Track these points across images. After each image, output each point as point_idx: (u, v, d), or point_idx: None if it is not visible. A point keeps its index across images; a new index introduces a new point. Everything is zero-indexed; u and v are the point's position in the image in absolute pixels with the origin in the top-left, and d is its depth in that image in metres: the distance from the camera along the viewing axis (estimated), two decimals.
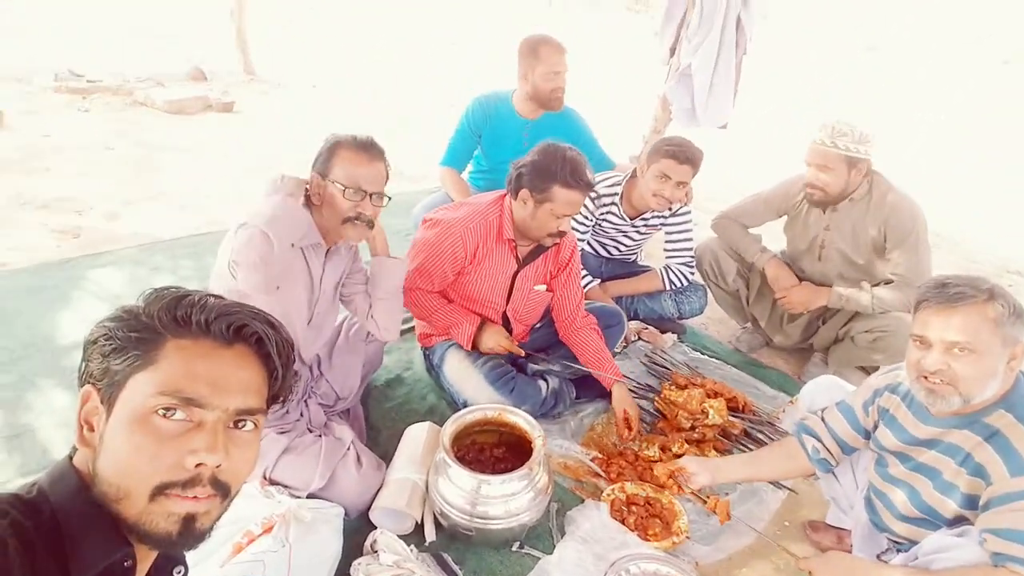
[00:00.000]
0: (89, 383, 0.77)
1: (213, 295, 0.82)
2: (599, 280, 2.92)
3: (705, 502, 1.95)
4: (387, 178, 1.82)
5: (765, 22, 3.54)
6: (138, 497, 0.72)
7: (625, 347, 2.84)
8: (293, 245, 1.76)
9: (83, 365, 0.78)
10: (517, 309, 2.34)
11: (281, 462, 1.84)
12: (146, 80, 6.03)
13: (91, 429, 0.76)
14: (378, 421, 2.28)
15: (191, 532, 0.75)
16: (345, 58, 9.16)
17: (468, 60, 9.76)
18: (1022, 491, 1.29)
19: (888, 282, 2.52)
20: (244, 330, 0.79)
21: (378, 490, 1.88)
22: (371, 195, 1.75)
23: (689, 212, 2.82)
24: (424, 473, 1.91)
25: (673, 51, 3.58)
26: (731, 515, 1.89)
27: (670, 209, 2.76)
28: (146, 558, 0.80)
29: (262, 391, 0.82)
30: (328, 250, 1.89)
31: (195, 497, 0.73)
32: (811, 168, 2.43)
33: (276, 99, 6.45)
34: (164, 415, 0.73)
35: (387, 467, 1.95)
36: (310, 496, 1.81)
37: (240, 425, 0.79)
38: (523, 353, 2.32)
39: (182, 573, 0.90)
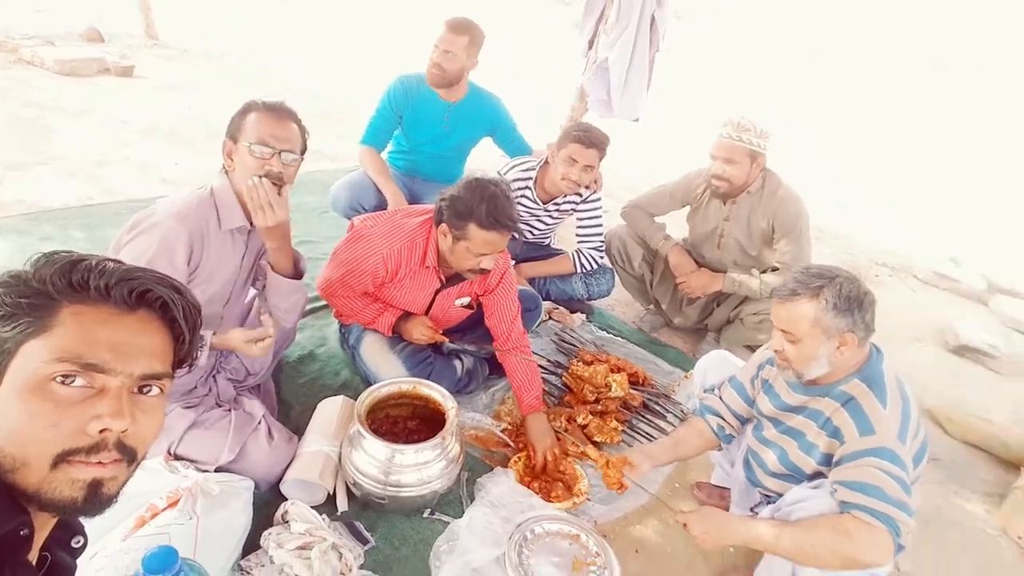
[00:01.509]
0: None
1: (111, 259, 0.79)
2: (514, 262, 3.02)
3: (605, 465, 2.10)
4: (302, 142, 1.79)
5: (678, 22, 3.72)
6: (38, 466, 0.70)
7: (537, 326, 2.96)
8: (221, 229, 1.76)
9: None
10: (436, 318, 2.33)
11: (188, 437, 1.82)
12: (34, 38, 5.54)
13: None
14: (290, 397, 2.28)
15: (97, 498, 0.73)
16: (260, 30, 8.75)
17: (388, 40, 9.57)
18: (867, 449, 1.50)
19: (775, 269, 2.77)
20: (148, 295, 0.78)
21: (289, 463, 1.90)
22: (280, 152, 1.71)
23: (599, 200, 2.96)
24: (337, 446, 1.94)
25: (591, 44, 3.71)
26: (625, 484, 2.01)
27: (580, 195, 2.89)
28: (44, 526, 0.78)
29: (167, 355, 0.81)
30: (251, 231, 1.86)
31: (100, 463, 0.72)
32: (717, 161, 2.62)
33: (180, 66, 6.09)
34: (63, 382, 0.70)
35: (299, 440, 1.97)
36: (219, 470, 1.80)
37: (145, 390, 0.78)
38: (448, 340, 2.32)
39: (80, 543, 0.88)
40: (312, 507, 1.78)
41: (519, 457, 2.10)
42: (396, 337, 2.32)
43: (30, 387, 0.70)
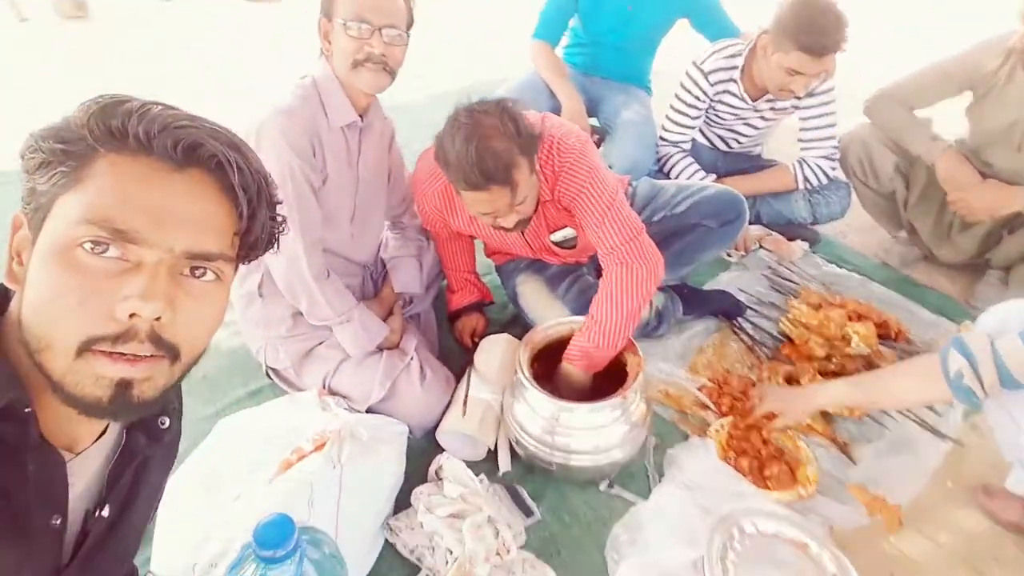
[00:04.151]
0: (21, 208, 0.64)
1: (163, 103, 0.63)
2: (715, 176, 2.45)
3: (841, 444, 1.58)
4: (408, 15, 1.48)
5: None
6: (62, 351, 0.58)
7: (743, 256, 2.40)
8: (330, 127, 1.52)
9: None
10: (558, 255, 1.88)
11: (341, 370, 1.66)
12: None
13: (20, 264, 0.63)
14: (446, 333, 2.02)
15: (126, 401, 0.60)
16: None
17: None
18: None
19: None
20: (200, 151, 0.62)
21: (447, 408, 1.65)
22: (380, 29, 1.41)
23: (832, 90, 2.23)
24: (500, 393, 1.65)
25: None
26: (903, 522, 1.46)
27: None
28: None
29: (225, 232, 0.65)
30: (362, 128, 1.60)
31: (130, 358, 0.59)
32: None
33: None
34: (92, 250, 0.58)
35: (458, 383, 1.71)
36: (370, 411, 1.61)
37: (198, 273, 0.64)
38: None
39: (167, 424, 0.76)
40: (471, 464, 1.52)
41: (723, 424, 1.64)
42: (559, 275, 1.92)
43: (57, 252, 0.58)
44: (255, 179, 0.67)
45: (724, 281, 2.25)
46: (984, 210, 2.07)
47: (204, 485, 1.34)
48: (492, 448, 1.60)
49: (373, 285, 1.89)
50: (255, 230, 0.68)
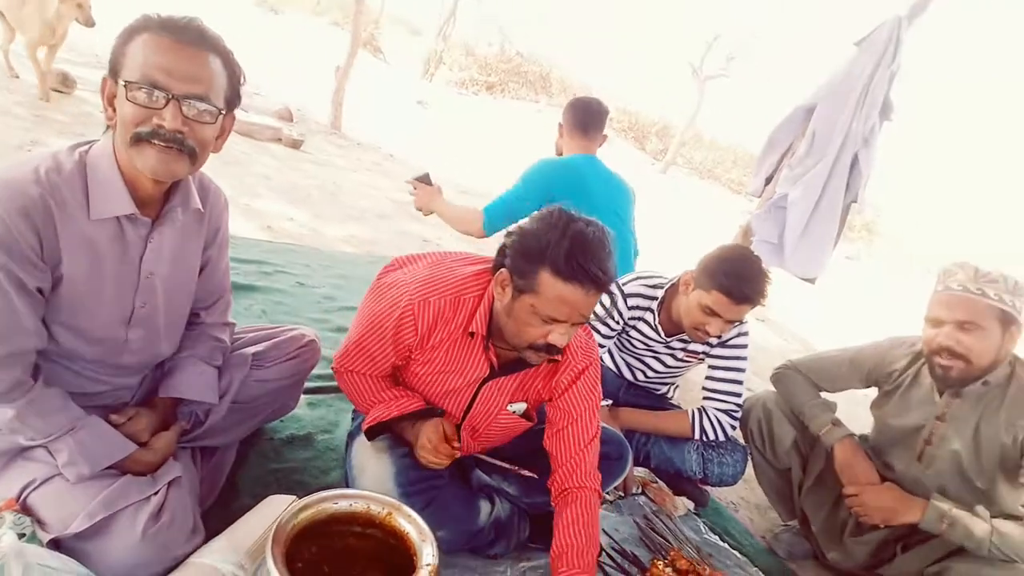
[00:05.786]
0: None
1: None
2: (611, 403, 2.25)
3: None
4: (228, 87, 1.20)
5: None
6: None
7: (621, 498, 2.09)
8: (91, 217, 1.17)
9: None
10: (477, 427, 1.59)
11: (51, 483, 1.21)
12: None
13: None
14: (247, 485, 1.60)
15: None
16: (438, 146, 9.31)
17: None
18: None
19: (1017, 517, 1.73)
20: None
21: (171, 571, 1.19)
22: (178, 98, 1.11)
23: (745, 345, 2.16)
24: (251, 570, 1.21)
25: (769, 181, 3.10)
26: None
27: (717, 338, 2.11)
28: None
29: None
30: (154, 220, 1.27)
31: None
32: (946, 327, 1.74)
33: (347, 152, 6.35)
34: None
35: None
36: (55, 543, 1.15)
37: None
38: (458, 453, 1.46)
39: None
40: None
41: None
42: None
43: None
44: None
45: None
46: (879, 512, 1.86)
47: None
48: None
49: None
50: None
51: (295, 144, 5.55)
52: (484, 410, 1.56)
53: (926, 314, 1.82)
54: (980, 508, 1.75)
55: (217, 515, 1.40)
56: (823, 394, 2.13)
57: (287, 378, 1.66)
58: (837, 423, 2.04)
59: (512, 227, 1.40)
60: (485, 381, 1.51)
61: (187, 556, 1.23)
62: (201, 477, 1.49)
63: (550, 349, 1.36)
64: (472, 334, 1.43)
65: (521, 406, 1.58)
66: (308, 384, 2.03)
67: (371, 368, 1.52)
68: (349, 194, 4.84)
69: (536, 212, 1.37)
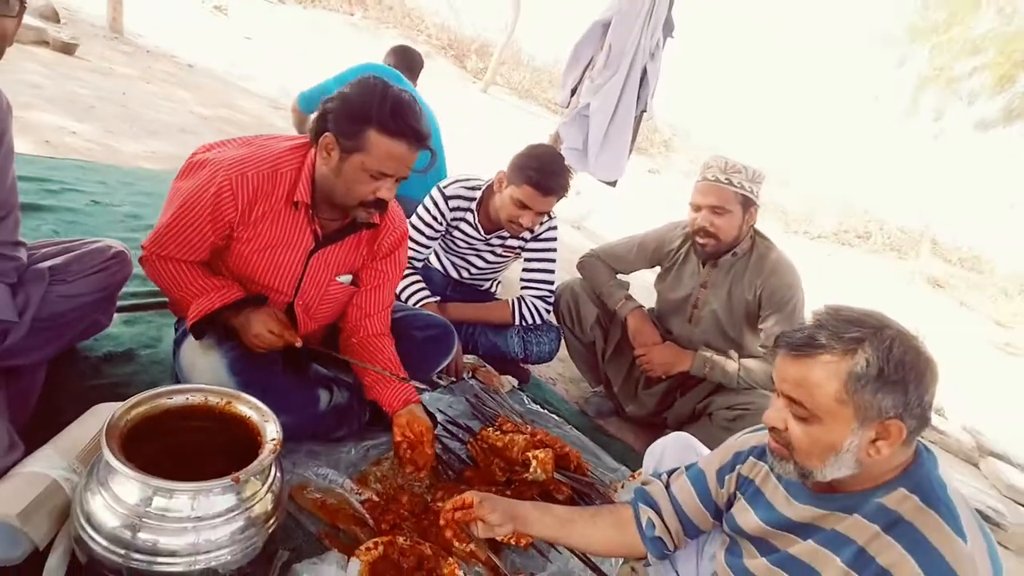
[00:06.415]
0: None
1: None
2: (438, 299, 2.42)
3: None
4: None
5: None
6: None
7: (453, 382, 2.30)
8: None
9: None
10: (309, 303, 1.68)
11: None
12: None
13: None
14: (69, 402, 1.53)
15: None
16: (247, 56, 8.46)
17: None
18: None
19: (757, 357, 2.21)
20: None
21: None
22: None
23: (555, 238, 2.42)
24: (82, 475, 1.21)
25: (574, 92, 3.34)
26: None
27: (530, 231, 2.35)
28: None
29: None
30: None
31: None
32: (702, 211, 2.11)
33: (134, 60, 5.55)
34: None
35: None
36: None
37: None
38: (299, 342, 1.57)
39: None
40: (6, 567, 1.04)
41: (376, 543, 1.37)
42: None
43: None
44: None
45: (425, 400, 2.09)
46: (661, 367, 2.27)
47: None
48: (39, 547, 1.12)
49: None
50: None
51: (67, 48, 4.75)
52: (314, 281, 1.65)
53: (689, 200, 2.19)
54: (732, 352, 2.22)
55: (37, 434, 1.35)
56: (619, 276, 2.48)
57: (95, 292, 1.58)
58: (630, 298, 2.41)
59: (330, 96, 1.47)
60: (313, 253, 1.60)
61: (7, 470, 1.20)
62: (10, 398, 1.41)
63: (379, 204, 1.51)
64: (297, 204, 1.51)
65: (347, 278, 1.71)
66: (124, 303, 1.94)
67: (186, 253, 1.52)
68: (143, 107, 4.32)
69: (350, 81, 1.47)
